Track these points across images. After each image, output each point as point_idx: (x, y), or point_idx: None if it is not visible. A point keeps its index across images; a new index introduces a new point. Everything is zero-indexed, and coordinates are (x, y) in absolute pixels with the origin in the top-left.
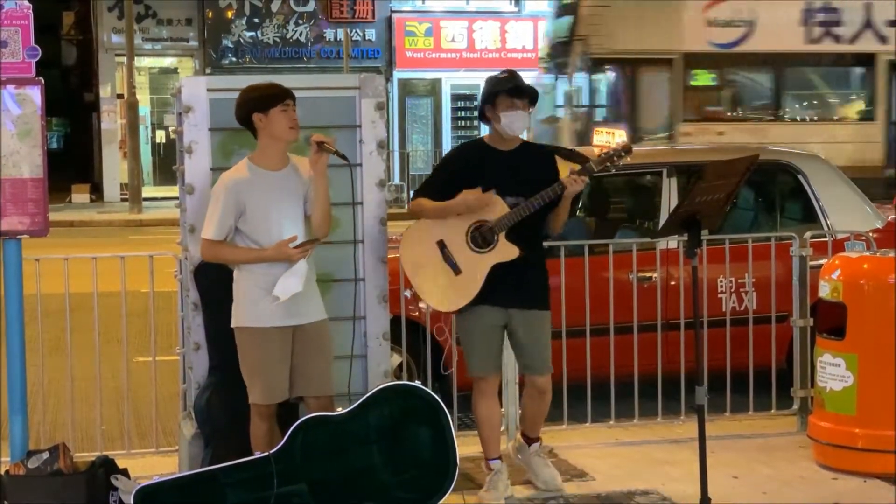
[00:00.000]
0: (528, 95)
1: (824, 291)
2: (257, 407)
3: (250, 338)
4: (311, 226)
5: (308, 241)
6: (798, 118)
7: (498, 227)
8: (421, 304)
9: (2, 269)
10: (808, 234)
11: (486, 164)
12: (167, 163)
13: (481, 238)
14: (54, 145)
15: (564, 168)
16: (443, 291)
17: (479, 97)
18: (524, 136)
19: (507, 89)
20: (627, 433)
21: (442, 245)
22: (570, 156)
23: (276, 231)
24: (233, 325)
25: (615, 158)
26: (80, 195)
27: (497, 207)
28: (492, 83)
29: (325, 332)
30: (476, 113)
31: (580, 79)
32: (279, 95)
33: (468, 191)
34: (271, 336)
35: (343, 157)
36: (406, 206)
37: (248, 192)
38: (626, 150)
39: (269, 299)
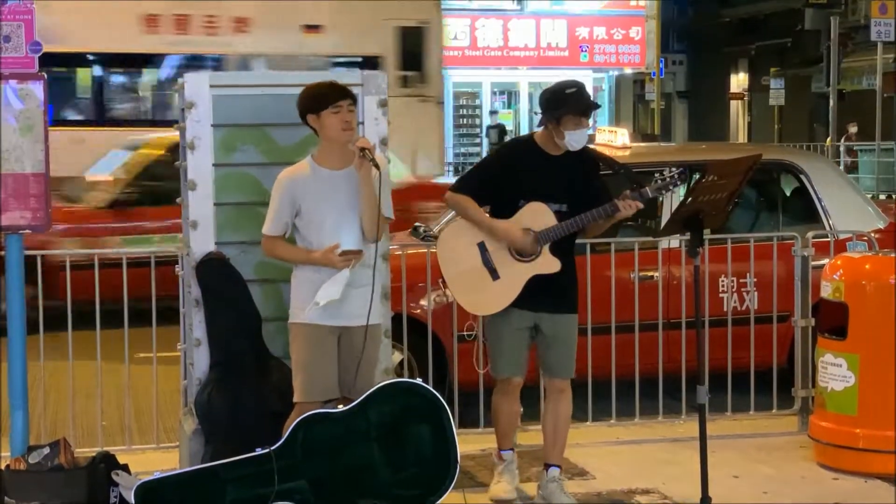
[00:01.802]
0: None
1: (826, 291)
2: (300, 405)
3: (297, 334)
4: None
5: (352, 251)
6: None
7: (543, 240)
8: (422, 302)
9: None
10: (810, 234)
11: (534, 168)
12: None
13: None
14: None
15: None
16: (476, 294)
17: (541, 103)
18: None
19: (577, 111)
20: (628, 432)
21: (483, 248)
22: (608, 163)
23: (329, 230)
24: (289, 321)
25: (671, 187)
26: None
27: (544, 218)
28: (560, 100)
29: (370, 337)
30: (479, 111)
31: None
32: (330, 96)
33: (516, 229)
34: (315, 334)
35: (375, 165)
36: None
37: (304, 190)
38: (683, 179)
39: (311, 302)
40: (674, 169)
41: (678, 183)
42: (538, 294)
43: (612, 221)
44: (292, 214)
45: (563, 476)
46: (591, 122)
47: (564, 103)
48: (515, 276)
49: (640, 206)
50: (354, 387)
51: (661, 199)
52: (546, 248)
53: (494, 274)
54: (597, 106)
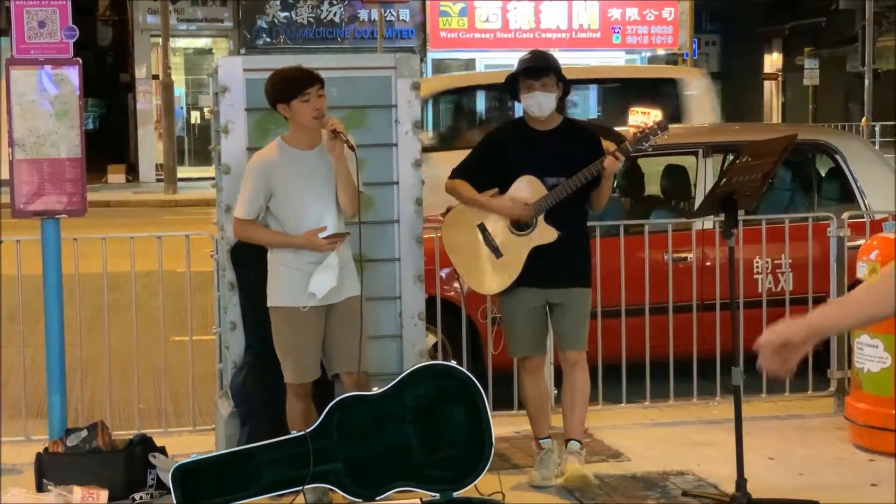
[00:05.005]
0: (548, 75)
1: (862, 272)
2: (292, 386)
3: (282, 318)
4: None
5: (337, 234)
6: None
7: (536, 210)
8: (456, 285)
9: (41, 248)
10: (845, 215)
11: (524, 144)
12: (202, 143)
13: (521, 221)
14: (90, 126)
15: (609, 147)
16: (483, 274)
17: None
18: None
19: (522, 71)
20: (663, 414)
21: (483, 228)
22: (608, 134)
23: (304, 211)
24: (268, 304)
25: (651, 137)
26: (116, 176)
27: (536, 190)
28: (514, 72)
29: (357, 308)
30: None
31: None
32: (300, 84)
33: (508, 200)
34: (303, 316)
35: (352, 147)
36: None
37: (277, 173)
38: (663, 127)
39: (302, 287)
40: (654, 120)
41: (658, 132)
42: (546, 270)
43: (608, 181)
44: (266, 198)
45: (582, 450)
46: (550, 86)
47: (516, 70)
48: (516, 251)
49: (622, 160)
50: (360, 359)
51: (647, 147)
52: (541, 219)
53: (497, 252)
54: (548, 68)
